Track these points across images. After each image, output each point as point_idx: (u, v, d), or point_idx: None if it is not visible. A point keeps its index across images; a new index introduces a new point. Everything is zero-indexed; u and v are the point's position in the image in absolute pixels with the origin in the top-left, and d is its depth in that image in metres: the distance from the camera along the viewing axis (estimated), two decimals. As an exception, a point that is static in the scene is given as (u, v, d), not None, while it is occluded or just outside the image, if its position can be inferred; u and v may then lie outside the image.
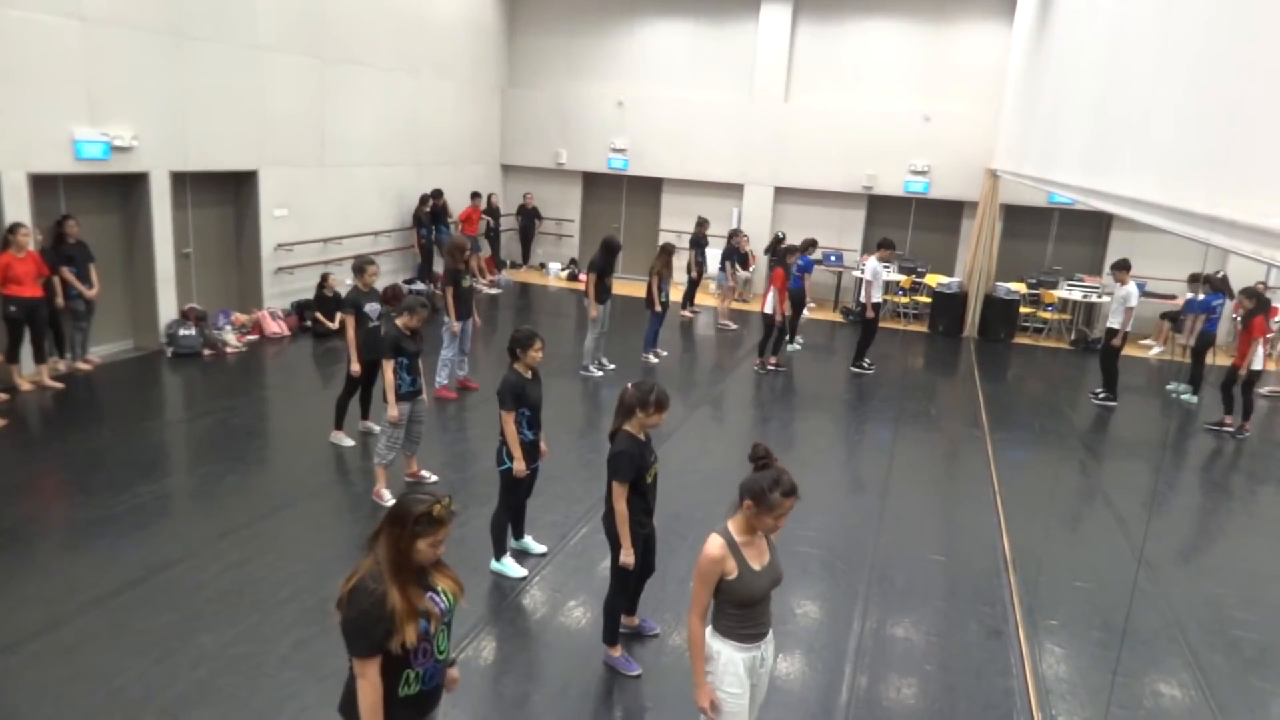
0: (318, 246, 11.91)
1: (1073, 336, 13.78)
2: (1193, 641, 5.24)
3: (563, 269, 16.61)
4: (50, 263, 8.31)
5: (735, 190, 15.85)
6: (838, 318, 14.62)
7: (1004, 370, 12.17)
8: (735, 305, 14.07)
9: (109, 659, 4.36)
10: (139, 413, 8.10)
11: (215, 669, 4.34)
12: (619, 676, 4.55)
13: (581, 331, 10.47)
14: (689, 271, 13.82)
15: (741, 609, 3.19)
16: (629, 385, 4.39)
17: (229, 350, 10.05)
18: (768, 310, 10.73)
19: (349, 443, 7.43)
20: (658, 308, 10.63)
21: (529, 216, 16.47)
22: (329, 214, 12.14)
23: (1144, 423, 10.34)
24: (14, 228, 7.86)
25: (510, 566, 5.48)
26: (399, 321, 6.23)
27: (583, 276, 11.81)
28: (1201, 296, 10.78)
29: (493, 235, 15.74)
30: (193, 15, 9.64)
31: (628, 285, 14.15)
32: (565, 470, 7.05)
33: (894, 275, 14.09)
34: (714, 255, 14.38)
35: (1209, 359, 10.76)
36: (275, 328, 10.87)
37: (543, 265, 16.91)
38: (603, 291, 9.81)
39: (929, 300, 14.19)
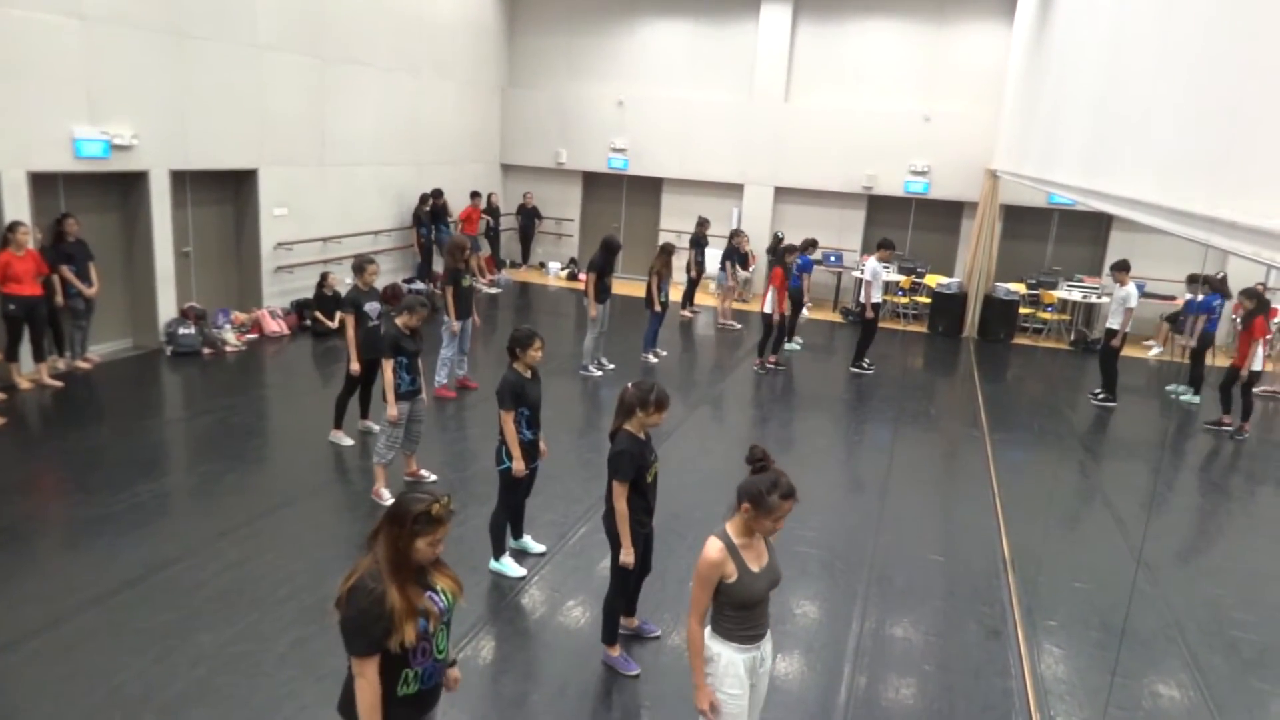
0: (317, 245, 11.91)
1: (1072, 337, 13.78)
2: (1191, 642, 5.24)
3: (562, 268, 16.61)
4: (50, 261, 8.31)
5: (735, 190, 15.85)
6: (837, 318, 14.63)
7: (1003, 371, 12.18)
8: (736, 305, 14.07)
9: (108, 657, 4.36)
10: (138, 411, 8.10)
11: (214, 667, 4.34)
12: (618, 676, 4.55)
13: (581, 331, 10.47)
14: (688, 271, 13.82)
15: (741, 611, 3.19)
16: (629, 385, 4.39)
17: (228, 349, 10.05)
18: (767, 310, 10.74)
19: (348, 442, 7.43)
20: (657, 307, 10.63)
21: (529, 216, 16.47)
22: (329, 213, 12.14)
23: (1143, 423, 10.34)
24: (13, 226, 7.86)
25: (509, 566, 5.48)
26: (398, 321, 6.23)
27: (582, 276, 11.82)
28: (1200, 297, 10.79)
29: (492, 235, 15.74)
30: (193, 14, 9.64)
31: (627, 285, 14.15)
32: (564, 470, 7.05)
33: (894, 275, 14.08)
34: (713, 255, 14.38)
35: (1208, 359, 10.77)
36: (275, 327, 10.87)
37: (542, 265, 16.91)
38: (602, 291, 9.81)
39: (928, 301, 14.19)
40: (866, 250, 14.71)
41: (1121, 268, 10.19)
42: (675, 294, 12.38)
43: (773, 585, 3.28)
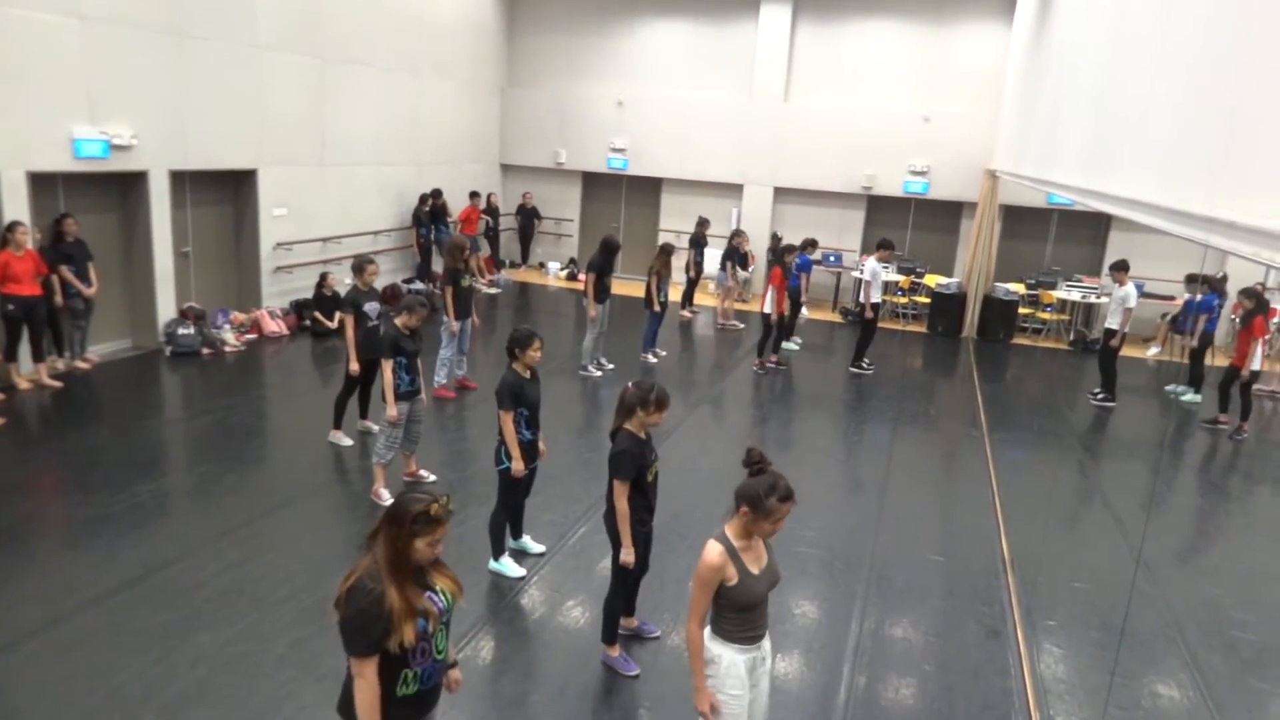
0: (317, 246, 11.90)
1: (1071, 337, 13.79)
2: (1191, 642, 5.24)
3: (562, 269, 16.61)
4: (49, 261, 8.31)
5: (735, 190, 15.85)
6: (837, 318, 14.63)
7: (1003, 371, 12.18)
8: (737, 305, 14.07)
9: (107, 658, 4.36)
10: (137, 412, 8.10)
11: (213, 668, 4.34)
12: (617, 676, 4.55)
13: (580, 331, 10.47)
14: (687, 271, 13.82)
15: (741, 613, 3.19)
16: (629, 384, 4.40)
17: (227, 349, 10.05)
18: (767, 309, 10.74)
19: (348, 442, 7.42)
20: (656, 307, 10.64)
21: (528, 216, 16.46)
22: (328, 213, 12.13)
23: (1142, 423, 10.35)
24: (12, 226, 7.86)
25: (509, 566, 5.48)
26: (398, 321, 6.23)
27: (582, 276, 11.82)
28: (1199, 297, 10.80)
29: (492, 235, 15.74)
30: (192, 14, 9.64)
31: (627, 285, 14.15)
32: (564, 470, 7.05)
33: (893, 275, 14.08)
34: (712, 255, 14.38)
35: (1207, 359, 10.77)
36: (274, 327, 10.87)
37: (542, 265, 16.90)
38: (602, 291, 9.81)
39: (928, 301, 14.19)
40: (866, 250, 14.71)
41: (1120, 267, 10.19)
42: (675, 294, 12.37)
43: (772, 586, 3.28)
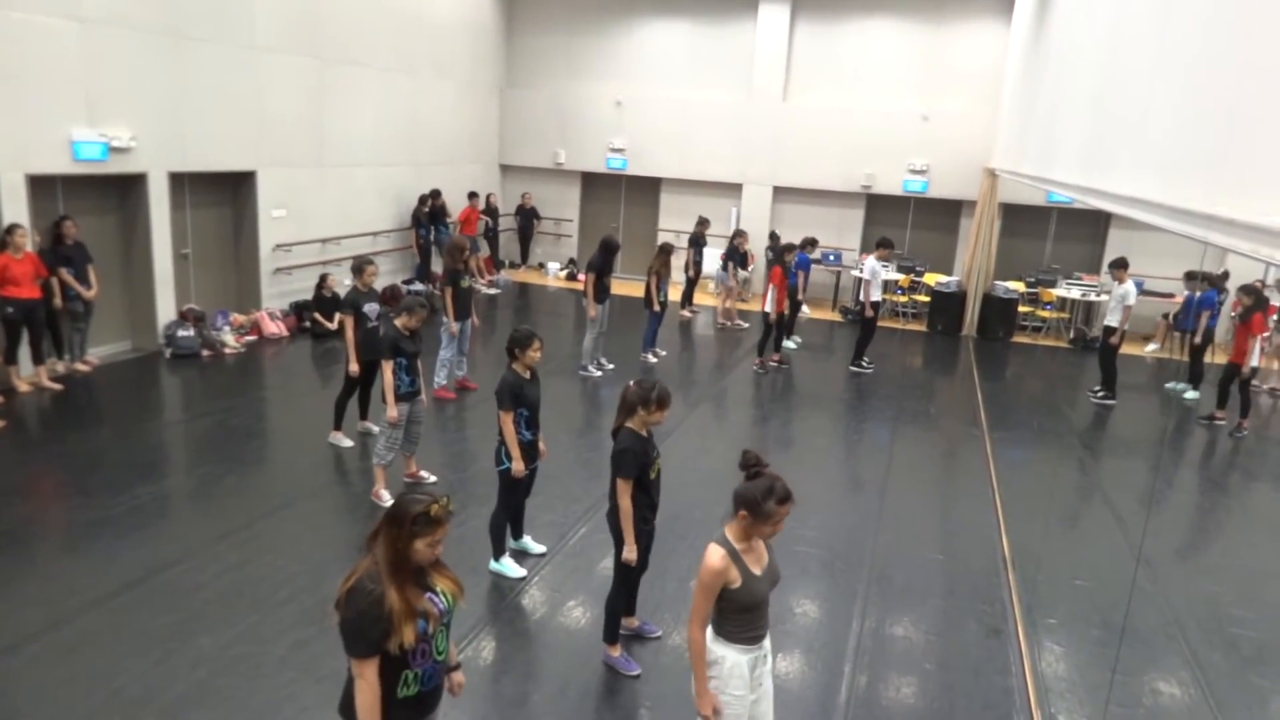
0: (316, 247, 11.90)
1: (1071, 335, 13.79)
2: (1191, 639, 5.25)
3: (561, 269, 16.60)
4: (48, 264, 8.31)
5: (734, 190, 15.85)
6: (837, 317, 14.63)
7: (1003, 369, 12.18)
8: (738, 305, 14.07)
9: (108, 660, 4.36)
10: (137, 414, 8.10)
11: (214, 670, 4.34)
12: (618, 676, 4.55)
13: (580, 331, 10.47)
14: (687, 271, 13.82)
15: (744, 613, 3.19)
16: (631, 383, 4.40)
17: (227, 351, 10.05)
18: (767, 309, 10.75)
19: (348, 443, 7.42)
20: (656, 307, 10.64)
21: (527, 216, 16.46)
22: (328, 214, 12.13)
23: (1142, 421, 10.35)
24: (11, 228, 7.85)
25: (509, 566, 5.48)
26: (398, 322, 6.23)
27: (581, 276, 11.82)
28: (1199, 294, 10.80)
29: (491, 235, 15.74)
30: (191, 16, 9.63)
31: (626, 285, 14.15)
32: (564, 470, 7.05)
33: (893, 274, 14.08)
34: (711, 255, 14.38)
35: (1207, 356, 10.77)
36: (274, 328, 10.87)
37: (541, 265, 16.90)
38: (601, 291, 9.81)
39: (928, 299, 14.19)
40: (865, 249, 14.72)
41: (1120, 265, 10.19)
42: (674, 294, 12.37)
43: (773, 585, 3.28)
